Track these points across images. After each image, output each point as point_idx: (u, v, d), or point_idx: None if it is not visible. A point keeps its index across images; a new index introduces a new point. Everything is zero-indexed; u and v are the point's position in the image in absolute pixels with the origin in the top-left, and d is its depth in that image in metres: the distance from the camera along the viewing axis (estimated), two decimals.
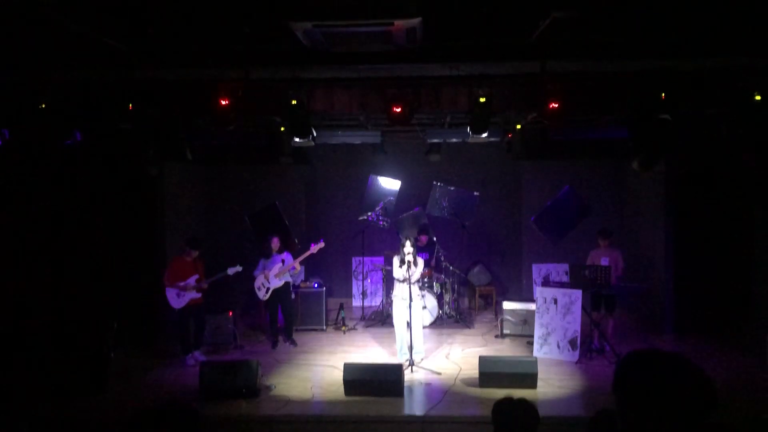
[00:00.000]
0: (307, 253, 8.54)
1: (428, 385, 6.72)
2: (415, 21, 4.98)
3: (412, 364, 7.10)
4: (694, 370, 1.73)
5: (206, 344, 8.30)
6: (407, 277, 7.21)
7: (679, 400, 1.67)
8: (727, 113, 7.06)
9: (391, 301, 7.78)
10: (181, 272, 7.68)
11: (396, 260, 7.47)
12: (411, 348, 7.23)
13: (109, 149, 8.10)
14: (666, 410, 1.67)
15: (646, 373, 1.74)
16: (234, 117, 6.69)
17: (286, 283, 8.55)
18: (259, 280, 8.46)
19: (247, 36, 5.63)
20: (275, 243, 8.51)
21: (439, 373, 7.07)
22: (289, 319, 8.67)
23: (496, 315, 9.91)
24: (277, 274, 8.39)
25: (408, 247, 7.26)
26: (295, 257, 8.59)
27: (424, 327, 8.37)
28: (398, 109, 6.71)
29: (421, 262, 7.48)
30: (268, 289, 8.42)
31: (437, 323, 9.47)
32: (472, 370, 6.90)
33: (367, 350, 8.32)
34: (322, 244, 8.53)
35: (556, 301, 7.83)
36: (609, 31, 5.79)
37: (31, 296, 7.44)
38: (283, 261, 8.46)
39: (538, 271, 10.63)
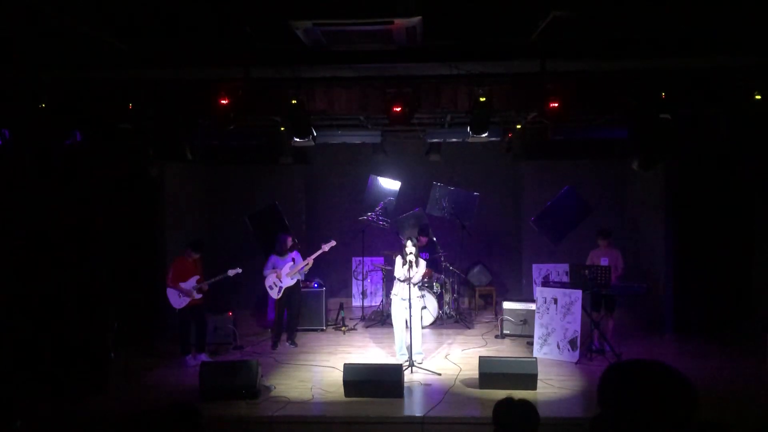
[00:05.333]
0: (319, 252, 8.52)
1: (428, 386, 6.71)
2: (416, 20, 4.98)
3: (411, 364, 7.09)
4: (672, 375, 1.78)
5: (207, 345, 8.31)
6: (408, 277, 7.20)
7: (661, 406, 1.72)
8: (727, 113, 7.05)
9: (391, 301, 7.77)
10: (183, 273, 7.69)
11: (399, 260, 7.46)
12: (410, 349, 7.22)
13: (109, 149, 8.09)
14: (650, 418, 1.72)
15: (626, 385, 1.80)
16: (234, 117, 6.68)
17: (297, 282, 8.55)
18: (271, 279, 8.44)
19: (247, 35, 5.62)
20: (289, 242, 8.51)
21: (439, 374, 7.06)
22: (294, 319, 8.65)
23: (496, 315, 9.90)
24: (289, 273, 8.39)
25: (410, 247, 7.26)
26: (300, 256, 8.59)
27: (423, 327, 8.36)
28: (398, 109, 6.70)
29: (423, 263, 7.46)
30: (280, 288, 8.41)
31: (437, 323, 9.46)
32: (472, 370, 6.89)
33: (366, 351, 8.31)
34: (333, 243, 8.52)
35: (556, 302, 7.83)
36: (609, 31, 5.78)
37: (31, 296, 7.42)
38: (293, 260, 8.46)
39: (538, 271, 10.62)
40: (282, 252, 8.46)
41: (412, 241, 7.37)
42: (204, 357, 7.67)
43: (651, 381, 1.77)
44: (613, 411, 1.81)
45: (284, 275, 8.37)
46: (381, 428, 5.77)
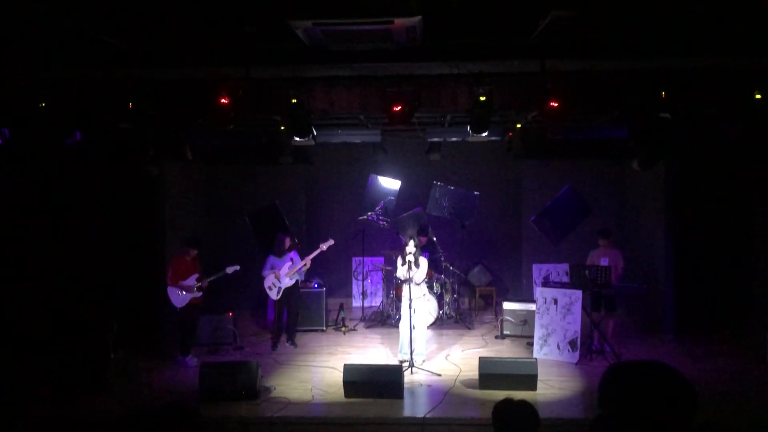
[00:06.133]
0: (317, 251, 8.51)
1: (428, 387, 6.70)
2: (416, 19, 4.98)
3: (412, 365, 7.08)
4: (673, 376, 1.79)
5: (206, 345, 8.32)
6: (408, 277, 7.20)
7: (662, 407, 1.73)
8: (727, 113, 7.04)
9: (392, 301, 7.78)
10: (183, 271, 7.69)
11: (399, 260, 7.46)
12: (412, 350, 7.21)
13: (109, 149, 8.10)
14: (651, 418, 1.72)
15: (627, 385, 1.81)
16: (234, 117, 6.68)
17: (296, 282, 8.55)
18: (270, 280, 8.42)
19: (247, 35, 5.62)
20: (287, 242, 8.50)
21: (439, 375, 7.06)
22: (294, 320, 8.64)
23: (496, 315, 9.90)
24: (287, 273, 8.38)
25: (410, 248, 7.25)
26: (299, 256, 8.59)
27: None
28: (398, 108, 6.69)
29: (424, 263, 7.45)
30: (279, 288, 8.40)
31: (437, 324, 9.44)
32: (472, 371, 6.88)
33: (367, 351, 8.31)
34: (331, 242, 8.53)
35: (556, 302, 7.82)
36: (609, 31, 5.78)
37: (31, 296, 7.43)
38: (291, 260, 8.45)
39: (538, 271, 10.61)
40: (279, 253, 8.44)
41: (414, 241, 7.36)
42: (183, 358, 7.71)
43: (652, 382, 1.77)
44: (614, 412, 1.81)
45: (283, 275, 8.36)
46: (381, 429, 5.76)
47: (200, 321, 8.22)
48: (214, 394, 6.27)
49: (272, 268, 8.41)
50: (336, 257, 10.91)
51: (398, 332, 7.69)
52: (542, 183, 10.53)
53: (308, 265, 8.53)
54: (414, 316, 7.24)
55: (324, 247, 8.49)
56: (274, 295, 8.43)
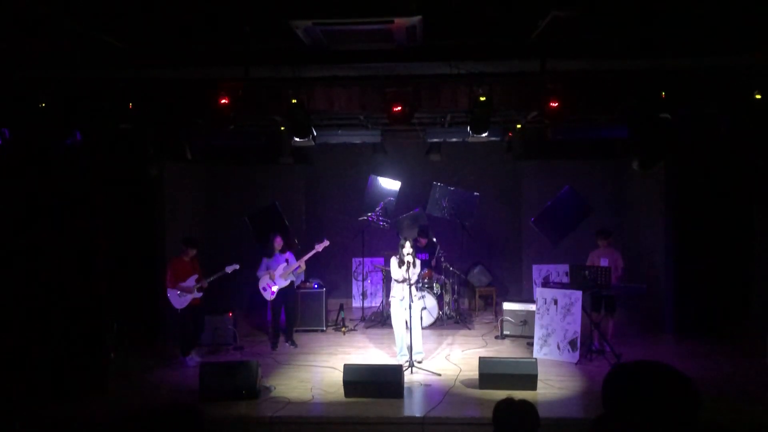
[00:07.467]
0: (312, 252, 8.52)
1: (428, 387, 6.70)
2: (416, 19, 4.98)
3: (411, 365, 7.09)
4: (677, 377, 1.80)
5: (206, 345, 8.31)
6: (407, 277, 7.20)
7: (666, 407, 1.74)
8: (727, 113, 7.05)
9: (390, 302, 7.77)
10: (181, 273, 7.69)
11: (394, 261, 7.45)
12: (410, 349, 7.22)
13: (109, 149, 8.09)
14: (655, 418, 1.74)
15: (631, 385, 1.82)
16: (234, 117, 6.68)
17: (291, 283, 8.54)
18: (264, 281, 8.42)
19: (247, 35, 5.62)
20: (278, 242, 8.48)
21: (439, 375, 7.06)
22: (291, 320, 8.64)
23: (496, 316, 9.89)
24: (282, 274, 8.37)
25: (407, 248, 7.25)
26: (296, 257, 8.58)
27: (424, 328, 8.34)
28: (398, 109, 6.70)
29: (418, 264, 7.45)
30: (274, 289, 8.40)
31: (437, 324, 9.45)
32: (472, 371, 6.88)
33: (366, 351, 8.31)
34: (326, 243, 8.53)
35: (556, 302, 7.82)
36: (609, 31, 5.78)
37: (31, 297, 7.41)
38: (287, 261, 8.44)
39: (538, 271, 10.62)
40: (269, 253, 8.44)
41: (410, 241, 7.36)
42: (195, 355, 7.68)
43: (656, 382, 1.77)
44: (618, 411, 1.82)
45: (278, 276, 8.35)
46: (381, 429, 5.76)
47: (203, 321, 8.19)
48: (214, 394, 6.27)
49: (268, 268, 8.41)
50: (336, 258, 10.92)
51: None
52: (542, 183, 10.54)
53: (303, 267, 8.53)
54: (412, 316, 7.23)
55: (319, 248, 8.49)
56: (268, 296, 8.43)
